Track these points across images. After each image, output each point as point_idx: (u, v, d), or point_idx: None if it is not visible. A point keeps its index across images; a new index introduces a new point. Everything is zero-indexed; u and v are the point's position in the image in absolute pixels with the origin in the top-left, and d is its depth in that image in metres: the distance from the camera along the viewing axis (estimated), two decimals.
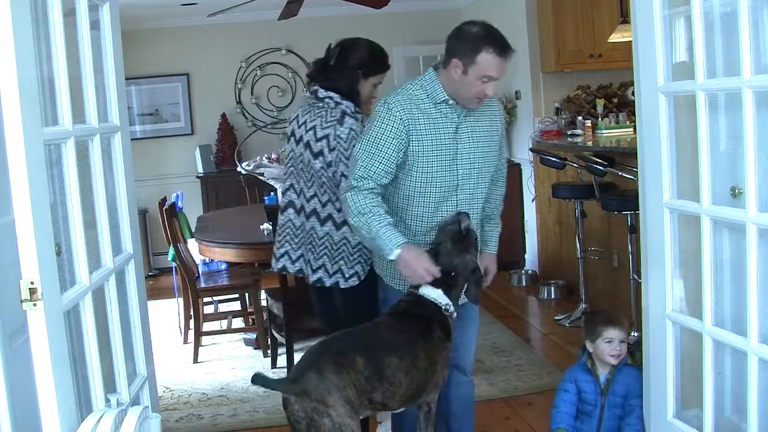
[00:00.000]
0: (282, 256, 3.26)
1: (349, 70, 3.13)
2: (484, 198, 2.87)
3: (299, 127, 3.21)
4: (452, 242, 2.79)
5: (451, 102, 2.71)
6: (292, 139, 3.25)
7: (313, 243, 3.15)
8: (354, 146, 2.76)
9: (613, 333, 2.86)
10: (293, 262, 3.24)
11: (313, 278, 3.17)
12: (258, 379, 2.48)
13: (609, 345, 2.86)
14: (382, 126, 2.66)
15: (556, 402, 2.94)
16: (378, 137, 2.66)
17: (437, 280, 2.79)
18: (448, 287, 2.80)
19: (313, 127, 3.12)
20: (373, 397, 2.53)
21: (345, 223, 3.06)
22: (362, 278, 3.12)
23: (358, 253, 3.13)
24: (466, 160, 2.75)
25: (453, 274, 2.79)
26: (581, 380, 2.91)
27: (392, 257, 2.60)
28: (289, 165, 3.27)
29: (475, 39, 2.64)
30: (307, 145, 3.13)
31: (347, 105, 3.10)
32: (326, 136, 3.06)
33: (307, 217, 3.18)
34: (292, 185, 3.25)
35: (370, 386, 2.50)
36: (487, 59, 2.62)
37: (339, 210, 3.09)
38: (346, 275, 3.12)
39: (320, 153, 3.08)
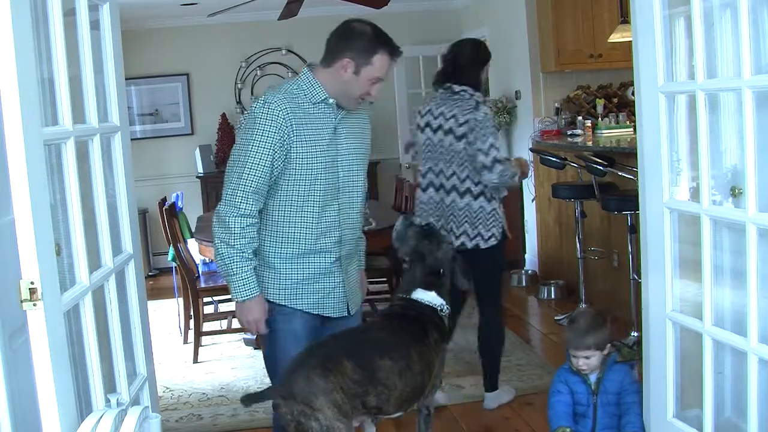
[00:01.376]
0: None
1: (471, 66, 3.86)
2: (362, 204, 2.78)
3: (436, 118, 3.83)
4: (424, 242, 2.82)
5: (330, 101, 2.61)
6: (428, 129, 3.86)
7: (454, 214, 3.77)
8: (243, 150, 2.54)
9: (574, 352, 2.86)
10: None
11: (456, 243, 3.66)
12: (247, 399, 2.48)
13: (575, 360, 2.86)
14: (267, 129, 2.50)
15: (551, 403, 2.94)
16: (267, 142, 2.50)
17: (429, 282, 2.83)
18: (440, 287, 2.84)
19: (454, 116, 3.74)
20: (367, 401, 2.51)
21: (482, 194, 3.73)
22: (499, 239, 3.74)
23: (493, 217, 3.75)
24: (346, 162, 2.66)
25: (441, 271, 2.84)
26: (571, 382, 2.90)
27: (239, 300, 2.59)
28: (426, 152, 3.88)
29: (370, 39, 2.58)
30: (449, 131, 3.76)
31: (478, 95, 3.79)
32: (467, 121, 3.69)
33: (447, 192, 3.80)
34: (430, 168, 3.86)
35: (362, 389, 2.48)
36: (381, 61, 2.58)
37: (476, 183, 3.72)
38: (485, 237, 3.74)
39: (463, 135, 3.70)
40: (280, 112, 2.51)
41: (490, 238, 3.74)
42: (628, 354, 2.86)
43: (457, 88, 3.81)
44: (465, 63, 3.87)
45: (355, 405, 2.47)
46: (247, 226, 2.53)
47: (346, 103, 2.65)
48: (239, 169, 2.52)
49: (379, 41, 2.59)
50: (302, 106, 2.57)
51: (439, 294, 2.84)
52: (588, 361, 2.84)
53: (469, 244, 3.72)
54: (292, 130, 2.52)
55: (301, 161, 2.55)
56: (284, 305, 2.66)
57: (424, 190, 3.90)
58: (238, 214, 2.51)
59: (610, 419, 2.85)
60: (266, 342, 2.75)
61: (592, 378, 2.86)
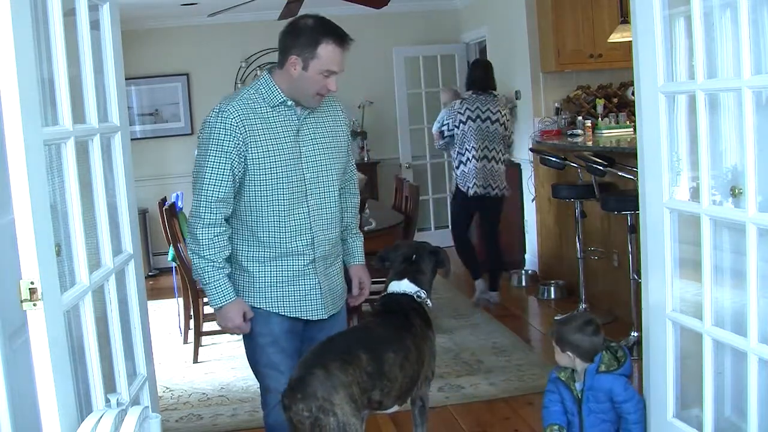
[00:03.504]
0: (476, 185, 5.77)
1: (492, 75, 5.95)
2: (337, 203, 2.74)
3: (484, 111, 5.77)
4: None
5: (289, 103, 2.59)
6: (476, 120, 5.76)
7: (494, 176, 5.79)
8: (201, 160, 2.57)
9: (554, 344, 2.85)
10: (480, 188, 5.77)
11: (495, 192, 5.82)
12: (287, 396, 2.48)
13: (556, 353, 2.86)
14: (220, 137, 2.51)
15: (545, 402, 2.93)
16: (221, 150, 2.51)
17: (400, 271, 2.94)
18: (413, 273, 2.93)
19: (498, 110, 5.82)
20: (372, 395, 2.55)
21: (502, 161, 5.89)
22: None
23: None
24: (311, 163, 2.63)
25: (414, 257, 2.95)
26: (560, 387, 2.87)
27: (215, 307, 2.62)
28: (478, 136, 5.75)
29: (312, 31, 2.53)
30: (496, 120, 5.78)
31: (501, 95, 6.10)
32: (504, 114, 5.85)
33: (494, 162, 5.80)
34: (485, 146, 5.77)
35: (371, 384, 2.52)
36: (327, 51, 2.51)
37: (504, 153, 5.90)
38: (505, 189, 5.91)
39: (504, 123, 5.83)
40: (233, 119, 2.51)
41: (505, 188, 5.92)
42: (609, 364, 2.77)
43: (495, 92, 5.89)
44: (493, 75, 5.93)
45: (363, 400, 2.49)
46: (214, 236, 2.56)
47: (305, 102, 2.60)
48: (200, 180, 2.54)
49: (322, 31, 2.52)
50: (259, 110, 2.56)
51: (413, 281, 2.91)
52: (561, 356, 2.82)
53: (500, 194, 5.86)
54: (247, 135, 2.51)
55: (259, 165, 2.54)
56: (260, 308, 2.67)
57: (480, 160, 5.75)
58: (204, 225, 2.54)
59: (601, 425, 2.80)
60: (246, 345, 2.76)
61: (578, 386, 2.82)
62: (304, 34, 2.53)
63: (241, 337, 2.79)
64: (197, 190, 2.56)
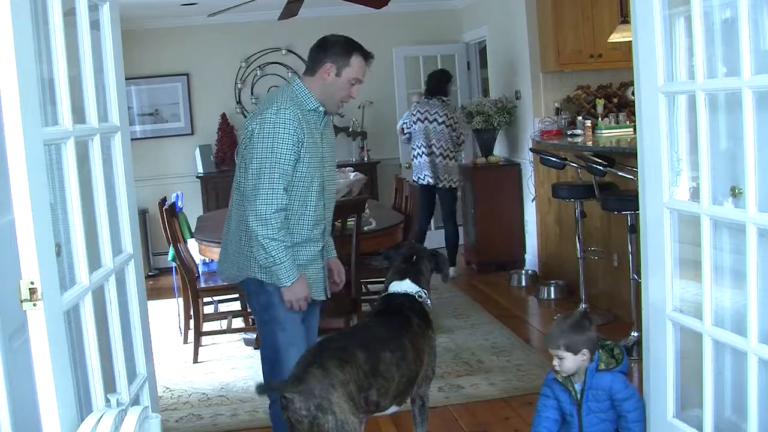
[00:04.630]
0: (426, 176, 6.77)
1: (445, 85, 6.95)
2: (334, 203, 3.15)
3: (432, 114, 6.81)
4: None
5: (321, 109, 2.95)
6: (423, 121, 6.82)
7: (440, 169, 6.77)
8: (269, 153, 2.83)
9: (549, 350, 2.82)
10: (431, 179, 6.77)
11: (443, 184, 6.79)
12: (261, 388, 2.51)
13: (553, 360, 2.81)
14: (290, 134, 2.80)
15: (538, 407, 2.90)
16: (293, 145, 2.81)
17: (401, 271, 3.04)
18: (414, 274, 3.03)
19: (445, 113, 6.79)
20: (369, 395, 2.57)
21: (448, 156, 6.85)
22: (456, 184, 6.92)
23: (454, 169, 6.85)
24: (327, 163, 3.02)
25: (414, 258, 3.07)
26: (556, 389, 2.85)
27: (287, 284, 2.85)
28: (424, 135, 6.81)
29: (345, 44, 2.93)
30: (442, 122, 6.76)
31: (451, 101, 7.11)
32: (451, 117, 6.80)
33: (441, 157, 6.77)
34: (432, 143, 6.79)
35: (368, 383, 2.56)
36: (357, 61, 2.92)
37: (452, 150, 6.81)
38: (453, 182, 6.87)
39: (451, 125, 6.78)
40: (294, 119, 2.82)
41: (457, 182, 6.94)
42: (608, 362, 2.77)
43: (445, 98, 6.90)
44: (445, 84, 6.94)
45: (360, 401, 2.50)
46: (284, 219, 2.84)
47: (330, 107, 2.98)
48: (269, 170, 2.79)
49: (354, 45, 2.94)
50: (302, 115, 2.87)
51: (414, 281, 3.00)
52: (561, 362, 2.76)
53: (441, 185, 6.83)
54: (303, 134, 2.84)
55: (305, 161, 2.86)
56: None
57: (425, 156, 6.84)
58: (276, 209, 2.80)
59: (600, 424, 2.80)
60: (267, 330, 2.97)
61: (577, 387, 2.80)
62: (338, 45, 2.93)
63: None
64: (266, 180, 2.79)
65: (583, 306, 5.37)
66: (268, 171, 2.79)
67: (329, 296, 3.11)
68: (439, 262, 3.15)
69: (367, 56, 2.95)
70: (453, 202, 7.02)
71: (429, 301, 3.01)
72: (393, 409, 2.76)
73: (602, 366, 2.76)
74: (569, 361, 2.75)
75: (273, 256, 2.80)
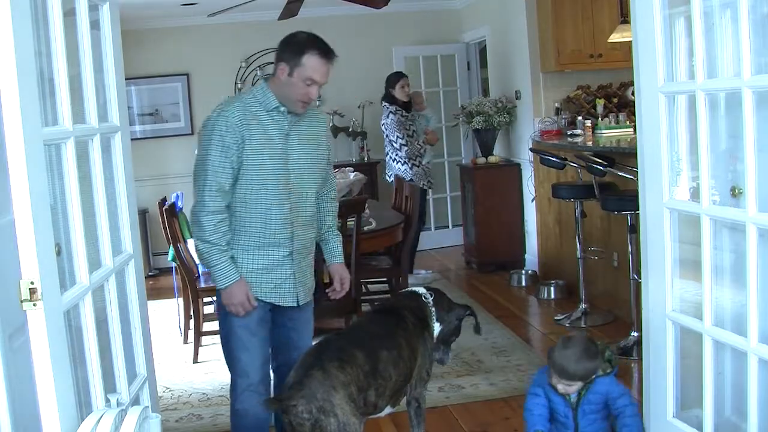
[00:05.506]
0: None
1: (387, 88, 6.87)
2: (313, 206, 2.98)
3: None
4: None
5: (282, 109, 2.82)
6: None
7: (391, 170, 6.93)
8: (204, 154, 2.80)
9: (557, 379, 2.76)
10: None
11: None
12: (267, 403, 2.60)
13: (556, 382, 2.76)
14: (222, 133, 2.73)
15: (529, 406, 2.87)
16: (223, 145, 2.73)
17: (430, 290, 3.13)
18: (438, 295, 3.09)
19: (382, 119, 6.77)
20: (368, 395, 2.57)
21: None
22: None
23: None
24: (296, 165, 2.86)
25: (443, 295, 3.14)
26: (550, 392, 2.82)
27: (221, 287, 2.81)
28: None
29: (300, 43, 2.80)
30: (382, 126, 6.84)
31: (391, 107, 6.79)
32: (382, 123, 6.79)
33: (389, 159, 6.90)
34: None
35: (367, 383, 2.55)
36: (310, 61, 2.76)
37: (398, 154, 6.74)
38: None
39: (383, 131, 6.82)
40: (234, 119, 2.74)
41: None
42: (604, 368, 2.74)
43: (387, 104, 6.81)
44: (387, 88, 6.85)
45: (360, 401, 2.50)
46: (218, 221, 2.76)
47: (291, 107, 2.84)
48: (203, 173, 2.75)
49: (308, 45, 2.79)
50: (256, 113, 2.80)
51: (429, 291, 3.07)
52: (569, 388, 2.74)
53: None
54: (244, 134, 2.75)
55: (253, 161, 2.77)
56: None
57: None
58: (209, 212, 2.75)
59: (592, 425, 2.79)
60: (222, 331, 2.95)
61: (573, 394, 2.77)
62: (291, 44, 2.81)
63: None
64: (201, 182, 2.76)
65: (583, 306, 5.37)
66: (201, 173, 2.75)
67: (300, 305, 2.94)
68: (468, 314, 3.22)
69: (323, 54, 2.78)
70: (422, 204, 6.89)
71: (433, 309, 3.03)
72: (388, 410, 2.76)
73: (600, 373, 2.75)
74: (578, 386, 2.74)
75: (205, 258, 2.79)
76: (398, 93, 6.73)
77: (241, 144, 2.74)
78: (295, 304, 2.93)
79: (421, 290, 3.04)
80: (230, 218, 2.83)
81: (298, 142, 2.88)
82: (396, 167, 6.80)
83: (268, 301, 2.87)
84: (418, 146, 6.72)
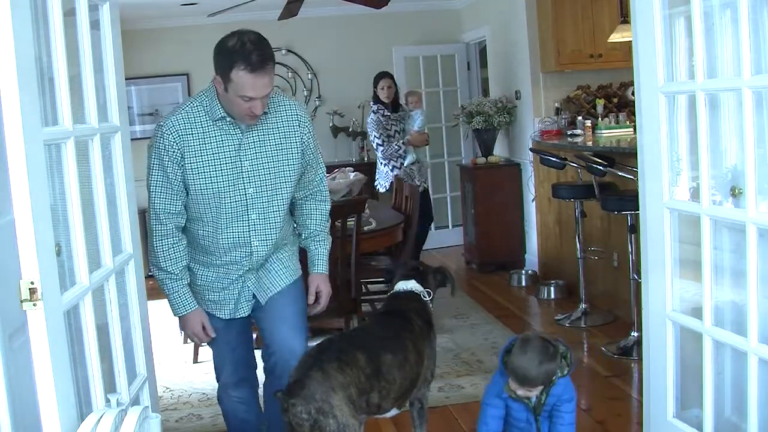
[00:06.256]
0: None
1: (374, 89, 6.62)
2: (283, 218, 2.72)
3: None
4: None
5: (229, 119, 2.55)
6: None
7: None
8: (147, 175, 2.67)
9: (516, 386, 2.65)
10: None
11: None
12: (285, 397, 2.55)
13: (515, 387, 2.65)
14: (160, 153, 2.57)
15: (485, 419, 2.75)
16: (161, 165, 2.57)
17: (408, 275, 3.02)
18: (420, 275, 3.02)
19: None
20: (371, 398, 2.55)
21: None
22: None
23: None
24: (253, 178, 2.59)
25: (421, 268, 3.06)
26: (508, 399, 2.72)
27: (176, 316, 2.77)
28: None
29: (228, 54, 2.45)
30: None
31: (374, 106, 6.64)
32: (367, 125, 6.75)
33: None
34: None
35: (369, 385, 2.53)
36: (239, 77, 2.42)
37: (383, 156, 6.54)
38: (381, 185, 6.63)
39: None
40: (171, 135, 2.55)
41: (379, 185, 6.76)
42: (562, 368, 2.66)
43: (371, 104, 6.70)
44: (373, 85, 6.65)
45: (361, 403, 2.48)
46: (169, 247, 2.64)
47: (239, 120, 2.55)
48: (148, 194, 2.63)
49: (236, 55, 2.42)
50: (199, 124, 2.56)
51: (420, 282, 3.00)
52: (530, 392, 2.65)
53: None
54: (184, 150, 2.54)
55: (198, 178, 2.56)
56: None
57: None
58: (157, 236, 2.64)
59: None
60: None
61: (533, 398, 2.69)
62: (222, 54, 2.48)
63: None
64: (149, 205, 2.65)
65: (583, 306, 5.36)
66: (148, 197, 2.63)
67: (265, 303, 2.78)
68: (446, 277, 3.11)
69: (252, 68, 2.40)
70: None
71: (431, 306, 2.99)
72: (393, 412, 2.74)
73: (559, 374, 2.67)
74: (539, 390, 2.66)
75: (161, 285, 2.71)
76: (380, 93, 6.58)
77: (180, 161, 2.54)
78: (263, 304, 2.78)
79: (417, 287, 2.97)
80: (187, 235, 2.71)
81: (255, 153, 2.59)
82: (380, 170, 6.66)
83: (228, 318, 2.80)
84: (396, 147, 6.50)
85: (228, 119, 2.56)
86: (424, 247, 7.38)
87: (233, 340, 2.87)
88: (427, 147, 7.18)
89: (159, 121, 2.62)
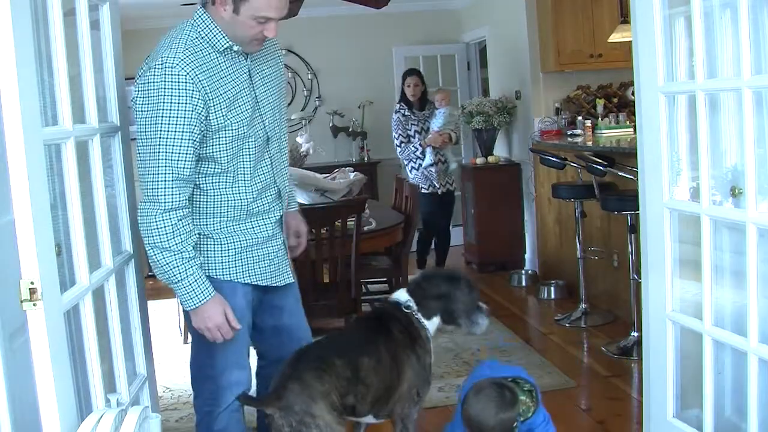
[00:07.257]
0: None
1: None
2: (287, 148, 2.53)
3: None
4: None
5: (236, 48, 2.27)
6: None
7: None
8: (152, 134, 2.21)
9: None
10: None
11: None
12: (243, 397, 2.47)
13: None
14: (173, 99, 2.13)
15: None
16: (176, 116, 2.13)
17: (408, 283, 2.83)
18: (415, 289, 2.74)
19: None
20: (347, 400, 2.45)
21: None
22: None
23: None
24: (267, 107, 2.37)
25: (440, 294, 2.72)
26: None
27: (191, 308, 2.29)
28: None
29: None
30: None
31: (397, 105, 6.75)
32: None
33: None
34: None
35: (348, 389, 2.44)
36: None
37: (397, 151, 6.71)
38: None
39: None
40: (188, 76, 2.15)
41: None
42: (528, 407, 2.56)
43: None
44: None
45: (340, 407, 2.42)
46: (178, 220, 2.21)
47: (245, 48, 2.28)
48: (155, 158, 2.18)
49: None
50: (209, 58, 2.22)
51: (409, 293, 2.75)
52: None
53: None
54: (207, 92, 2.18)
55: (225, 123, 2.23)
56: (227, 281, 2.39)
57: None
58: (165, 210, 2.20)
59: None
60: (198, 336, 2.42)
61: None
62: None
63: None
64: (151, 170, 2.19)
65: (583, 306, 5.36)
66: (153, 160, 2.18)
67: (293, 280, 2.55)
68: (454, 317, 2.75)
69: None
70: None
71: (419, 315, 2.69)
72: (369, 419, 2.64)
73: (523, 418, 2.57)
74: None
75: (167, 270, 2.22)
76: (406, 90, 6.60)
77: (203, 108, 2.16)
78: (290, 281, 2.54)
79: (402, 297, 2.73)
80: (198, 194, 2.31)
81: (262, 81, 2.37)
82: (406, 171, 6.71)
83: (264, 284, 2.45)
84: (413, 148, 6.54)
85: (234, 49, 2.27)
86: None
87: (247, 329, 2.49)
88: (452, 146, 6.81)
89: (156, 63, 2.15)
